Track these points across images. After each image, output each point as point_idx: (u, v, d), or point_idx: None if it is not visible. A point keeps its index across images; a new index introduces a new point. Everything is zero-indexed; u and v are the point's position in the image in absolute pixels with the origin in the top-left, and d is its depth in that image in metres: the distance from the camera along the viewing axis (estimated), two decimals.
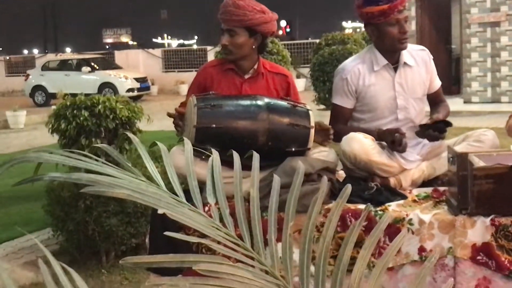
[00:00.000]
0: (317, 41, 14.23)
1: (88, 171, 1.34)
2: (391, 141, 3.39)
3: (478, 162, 2.78)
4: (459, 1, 13.95)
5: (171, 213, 1.16)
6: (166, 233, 1.24)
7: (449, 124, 3.39)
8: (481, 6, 13.27)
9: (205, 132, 3.18)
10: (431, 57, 3.73)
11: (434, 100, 3.77)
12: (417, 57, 3.64)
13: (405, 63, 3.57)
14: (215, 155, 1.44)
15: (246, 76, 3.54)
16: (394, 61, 3.57)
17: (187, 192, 1.50)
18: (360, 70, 3.57)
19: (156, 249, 3.24)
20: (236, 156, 1.46)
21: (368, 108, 3.59)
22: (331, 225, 1.23)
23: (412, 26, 13.76)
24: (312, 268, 1.36)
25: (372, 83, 3.55)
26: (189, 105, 3.26)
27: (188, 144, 1.55)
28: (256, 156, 1.42)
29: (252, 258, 1.20)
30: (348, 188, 1.34)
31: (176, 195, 1.40)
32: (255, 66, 3.55)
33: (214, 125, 3.17)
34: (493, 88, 13.28)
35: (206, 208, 1.44)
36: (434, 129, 3.38)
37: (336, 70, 3.72)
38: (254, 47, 3.51)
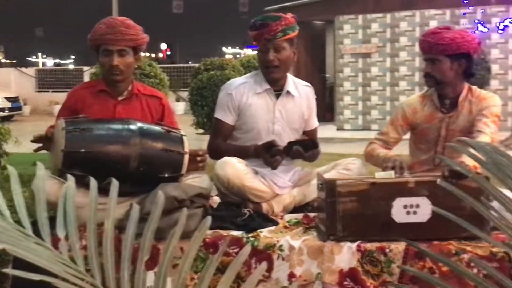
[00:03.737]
0: (197, 65, 14.28)
1: None
2: (270, 155, 3.41)
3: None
4: (333, 32, 14.50)
5: (11, 248, 1.07)
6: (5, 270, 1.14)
7: (315, 145, 3.47)
8: (354, 37, 13.86)
9: (74, 156, 3.06)
10: (315, 96, 3.84)
11: None
12: (302, 91, 3.73)
13: (288, 92, 3.64)
14: (69, 182, 1.34)
15: (120, 98, 3.47)
16: (278, 88, 3.64)
17: (54, 220, 1.40)
18: (245, 88, 3.63)
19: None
20: (93, 183, 1.37)
21: (247, 128, 3.63)
22: (187, 260, 1.19)
23: None
24: None
25: (254, 103, 3.61)
26: (57, 128, 3.14)
27: (40, 170, 1.44)
28: (115, 184, 1.33)
29: None
30: (208, 220, 1.30)
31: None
32: (129, 88, 3.50)
33: (83, 150, 3.06)
34: (364, 116, 13.85)
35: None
36: (302, 146, 3.44)
37: (222, 86, 3.79)
38: (135, 67, 3.49)
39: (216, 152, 3.63)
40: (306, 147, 3.44)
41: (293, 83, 3.71)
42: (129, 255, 1.19)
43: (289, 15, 3.58)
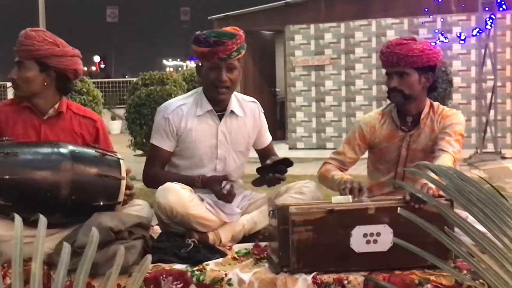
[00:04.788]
0: (134, 79, 14.19)
1: None
2: (219, 189, 3.41)
3: None
4: (283, 43, 14.60)
5: None
6: None
7: (289, 163, 3.42)
8: (306, 48, 13.98)
9: None
10: (262, 110, 3.83)
11: (266, 156, 3.73)
12: (246, 108, 3.73)
13: (232, 112, 3.64)
14: None
15: (46, 117, 3.43)
16: (221, 108, 3.62)
17: None
18: (183, 111, 3.60)
19: None
20: (17, 220, 1.32)
21: (187, 154, 3.61)
22: None
23: None
24: None
25: (194, 128, 3.59)
26: None
27: None
28: (43, 221, 1.30)
29: None
30: (148, 259, 1.28)
31: None
32: (56, 106, 3.45)
33: (7, 176, 3.00)
34: (318, 134, 13.96)
35: None
36: (274, 172, 3.41)
37: (158, 108, 3.74)
38: (46, 83, 3.40)
39: (153, 182, 3.59)
40: (281, 171, 3.41)
41: (237, 100, 3.70)
42: None
43: (241, 32, 3.58)
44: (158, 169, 3.64)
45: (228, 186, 3.43)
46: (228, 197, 3.44)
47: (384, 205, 2.95)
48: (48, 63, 3.39)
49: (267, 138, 3.88)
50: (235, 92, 3.70)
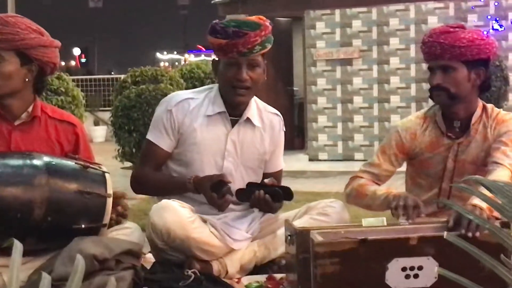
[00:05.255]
0: (122, 76, 14.23)
1: None
2: (209, 188, 3.39)
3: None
4: (303, 32, 14.58)
5: None
6: None
7: (289, 195, 3.43)
8: (330, 39, 13.93)
9: None
10: (283, 128, 3.85)
11: None
12: (266, 119, 3.76)
13: (248, 119, 3.66)
14: None
15: (17, 122, 3.44)
16: (236, 113, 3.65)
17: None
18: (190, 106, 3.63)
19: None
20: None
21: (187, 159, 3.64)
22: None
23: None
24: None
25: (199, 128, 3.61)
26: None
27: None
28: (18, 248, 1.30)
29: None
30: None
31: None
32: (30, 109, 3.46)
33: None
34: (344, 142, 13.90)
35: None
36: (268, 192, 3.40)
37: (162, 100, 3.79)
38: (27, 80, 3.40)
39: (141, 183, 3.62)
40: (275, 196, 3.41)
41: (256, 108, 3.72)
42: None
43: (268, 22, 3.58)
44: (150, 170, 3.65)
45: (224, 188, 3.39)
46: (223, 203, 3.41)
47: (430, 234, 2.92)
48: (32, 55, 3.38)
49: (279, 164, 3.89)
50: (257, 99, 3.71)
